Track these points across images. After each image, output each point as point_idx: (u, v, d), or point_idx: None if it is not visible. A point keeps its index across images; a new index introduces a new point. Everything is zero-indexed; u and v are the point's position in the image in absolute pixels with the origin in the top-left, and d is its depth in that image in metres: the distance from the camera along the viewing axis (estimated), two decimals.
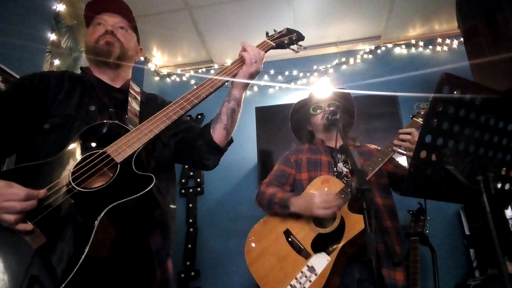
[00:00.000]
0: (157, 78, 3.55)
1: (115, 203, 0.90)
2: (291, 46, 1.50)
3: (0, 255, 0.83)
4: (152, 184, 0.93)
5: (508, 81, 1.91)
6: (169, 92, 3.49)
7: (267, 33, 1.49)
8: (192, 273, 2.79)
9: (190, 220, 2.97)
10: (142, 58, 3.37)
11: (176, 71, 3.58)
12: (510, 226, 2.04)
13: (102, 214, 0.87)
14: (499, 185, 1.04)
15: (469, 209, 2.51)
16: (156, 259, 1.10)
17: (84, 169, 0.95)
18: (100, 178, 0.97)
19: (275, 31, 1.51)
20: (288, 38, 1.48)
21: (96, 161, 0.97)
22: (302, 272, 1.48)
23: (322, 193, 1.54)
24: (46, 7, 2.36)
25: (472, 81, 1.11)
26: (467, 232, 2.49)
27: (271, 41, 1.44)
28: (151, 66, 3.46)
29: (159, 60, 3.51)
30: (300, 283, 1.46)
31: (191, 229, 2.94)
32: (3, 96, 1.20)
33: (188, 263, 2.83)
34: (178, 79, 3.55)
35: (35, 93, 1.15)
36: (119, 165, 0.98)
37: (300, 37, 1.52)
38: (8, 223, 0.83)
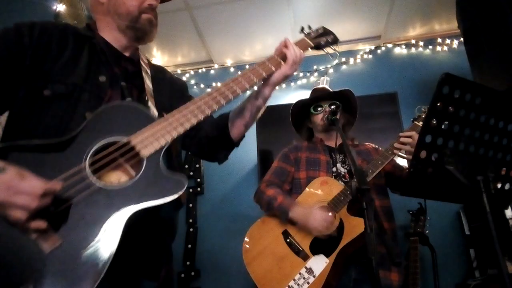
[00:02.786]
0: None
1: (144, 204, 0.80)
2: (326, 49, 1.35)
3: (3, 259, 0.70)
4: (185, 187, 0.84)
5: (508, 81, 1.91)
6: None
7: (302, 29, 1.34)
8: (192, 273, 2.79)
9: (190, 220, 2.97)
10: None
11: (176, 71, 3.58)
12: (510, 226, 2.04)
13: (127, 217, 0.78)
14: (499, 185, 1.05)
15: (469, 209, 2.51)
16: (166, 256, 1.07)
17: (104, 160, 0.84)
18: (118, 170, 0.87)
19: (310, 28, 1.35)
20: (325, 39, 1.33)
21: (118, 152, 0.85)
22: (300, 273, 1.48)
23: (324, 216, 1.52)
24: (46, 7, 2.36)
25: (472, 81, 1.11)
26: (467, 232, 2.49)
27: (309, 40, 1.29)
28: None
29: (159, 60, 3.51)
30: (298, 284, 1.46)
31: (191, 229, 2.94)
32: None
33: (188, 263, 2.83)
34: None
35: (35, 50, 0.96)
36: (145, 160, 0.86)
37: (336, 40, 1.36)
38: (17, 221, 0.71)
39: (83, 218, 0.77)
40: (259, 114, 1.21)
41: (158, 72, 1.22)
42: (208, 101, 1.00)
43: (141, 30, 1.09)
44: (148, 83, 1.12)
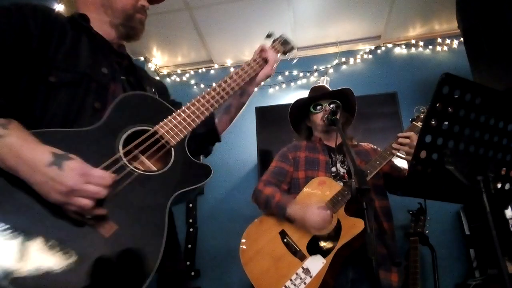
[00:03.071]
0: (157, 78, 3.55)
1: (181, 190, 0.88)
2: (287, 55, 1.48)
3: (64, 246, 0.70)
4: (212, 173, 0.95)
5: (508, 81, 1.91)
6: (169, 92, 3.48)
7: (270, 35, 1.44)
8: (192, 273, 2.79)
9: (190, 220, 2.97)
10: (142, 58, 3.37)
11: (176, 71, 3.58)
12: (510, 226, 2.04)
13: (170, 200, 0.85)
14: (499, 185, 1.04)
15: (469, 209, 2.51)
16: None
17: (137, 150, 0.88)
18: (144, 159, 0.91)
19: (275, 38, 1.45)
20: (287, 48, 1.44)
21: (149, 141, 0.90)
22: (297, 273, 1.48)
23: (322, 214, 1.51)
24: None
25: (472, 81, 1.11)
26: (467, 232, 2.49)
27: (279, 46, 1.39)
28: (151, 66, 3.46)
29: (159, 60, 3.51)
30: (295, 284, 1.46)
31: (191, 229, 2.94)
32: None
33: (188, 263, 2.83)
34: (178, 79, 3.55)
35: (40, 34, 0.91)
36: (173, 149, 0.94)
37: (293, 48, 1.47)
38: (83, 209, 0.73)
39: (131, 204, 0.81)
40: (241, 110, 1.34)
41: (141, 70, 1.25)
42: (214, 96, 1.10)
43: (133, 29, 1.12)
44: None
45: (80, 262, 0.70)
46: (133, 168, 0.84)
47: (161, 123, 0.95)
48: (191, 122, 1.00)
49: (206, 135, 1.25)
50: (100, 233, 0.74)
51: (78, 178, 0.71)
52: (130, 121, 0.90)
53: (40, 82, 0.90)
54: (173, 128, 0.95)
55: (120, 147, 0.85)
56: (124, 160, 0.84)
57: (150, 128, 0.93)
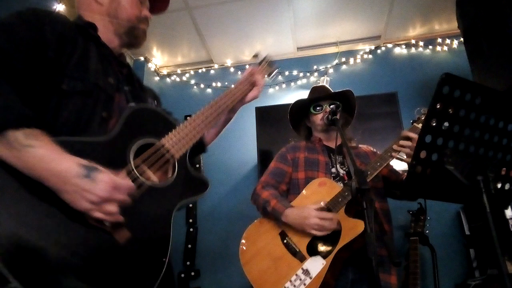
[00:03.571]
0: (157, 78, 3.55)
1: (184, 201, 0.96)
2: (270, 76, 1.57)
3: (86, 249, 0.76)
4: (210, 187, 1.04)
5: (508, 81, 1.91)
6: (169, 92, 3.48)
7: (256, 55, 1.55)
8: (192, 273, 2.80)
9: (190, 220, 2.97)
10: (142, 58, 3.37)
11: (176, 71, 3.58)
12: (510, 226, 2.04)
13: (175, 210, 0.93)
14: (499, 185, 1.04)
15: (469, 209, 2.51)
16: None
17: (146, 162, 0.93)
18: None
19: (261, 60, 1.53)
20: (273, 68, 1.55)
21: (156, 154, 0.95)
22: (296, 275, 1.47)
23: (320, 214, 1.50)
24: (46, 7, 2.36)
25: (472, 81, 1.11)
26: (467, 232, 2.49)
27: (267, 67, 1.49)
28: (151, 66, 3.46)
29: (159, 60, 3.51)
30: (294, 286, 1.45)
31: (191, 229, 2.94)
32: (18, 36, 0.85)
33: (188, 263, 2.83)
34: (178, 79, 3.55)
35: (57, 43, 0.91)
36: (177, 162, 0.99)
37: (276, 69, 1.58)
38: (109, 214, 0.78)
39: (142, 213, 0.87)
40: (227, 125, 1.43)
41: (138, 80, 1.26)
42: (212, 112, 1.17)
43: (136, 38, 1.16)
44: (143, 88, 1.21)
45: (99, 265, 0.77)
46: (144, 180, 0.90)
47: (167, 137, 1.00)
48: (193, 137, 1.06)
49: (195, 147, 1.27)
50: (116, 239, 0.81)
51: (111, 189, 0.77)
52: (138, 134, 0.95)
53: (53, 89, 0.91)
54: (178, 142, 1.01)
55: (131, 159, 0.89)
56: (136, 172, 0.89)
57: (157, 141, 0.97)
